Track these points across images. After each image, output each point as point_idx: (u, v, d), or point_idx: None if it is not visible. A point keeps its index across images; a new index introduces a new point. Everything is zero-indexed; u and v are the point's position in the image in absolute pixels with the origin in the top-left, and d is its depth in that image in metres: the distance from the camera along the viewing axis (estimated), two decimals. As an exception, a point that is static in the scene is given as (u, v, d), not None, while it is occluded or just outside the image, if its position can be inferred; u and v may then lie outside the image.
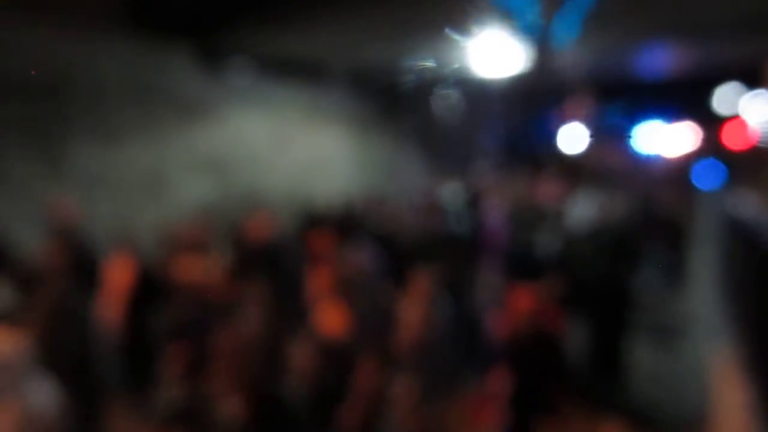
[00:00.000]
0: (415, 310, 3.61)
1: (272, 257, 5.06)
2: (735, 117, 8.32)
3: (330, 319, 3.49)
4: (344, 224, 6.20)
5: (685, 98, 8.62)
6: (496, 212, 6.30)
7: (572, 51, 6.91)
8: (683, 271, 6.80)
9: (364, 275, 3.85)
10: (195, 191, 6.92)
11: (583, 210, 5.76)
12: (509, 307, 3.45)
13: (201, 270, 3.86)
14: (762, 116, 7.59)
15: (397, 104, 9.14)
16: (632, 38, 7.11)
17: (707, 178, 8.40)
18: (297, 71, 8.16)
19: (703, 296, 5.59)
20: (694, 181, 8.57)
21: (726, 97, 8.40)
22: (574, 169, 8.40)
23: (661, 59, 8.28)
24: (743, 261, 4.59)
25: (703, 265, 6.09)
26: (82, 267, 4.30)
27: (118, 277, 4.28)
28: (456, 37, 5.88)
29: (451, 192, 7.23)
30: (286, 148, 8.18)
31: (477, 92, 7.50)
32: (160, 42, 6.67)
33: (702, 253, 6.29)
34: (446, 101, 7.47)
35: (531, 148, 9.21)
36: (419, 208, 6.68)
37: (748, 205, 5.63)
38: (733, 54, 7.43)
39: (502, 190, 7.15)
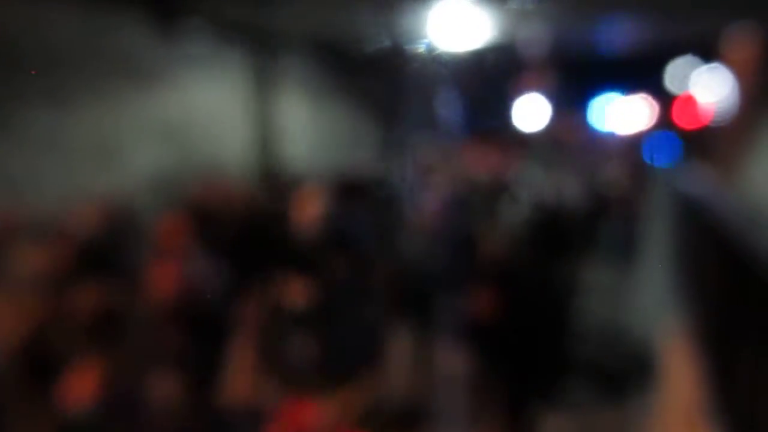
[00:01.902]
0: (245, 343, 2.59)
1: (101, 252, 4.15)
2: (686, 93, 8.41)
3: (81, 379, 2.48)
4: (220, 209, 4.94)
5: (640, 72, 8.67)
6: (439, 194, 5.35)
7: (530, 23, 6.92)
8: (635, 251, 6.40)
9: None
10: (147, 159, 6.73)
11: (529, 185, 5.49)
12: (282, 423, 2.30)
13: None
14: (715, 93, 7.70)
15: (357, 73, 9.03)
16: (588, 11, 7.14)
17: (661, 154, 8.53)
18: (255, 37, 7.97)
19: (653, 270, 5.71)
20: (647, 157, 8.69)
21: (679, 73, 8.47)
22: (523, 141, 8.39)
23: (616, 33, 8.33)
24: (695, 237, 4.70)
25: (654, 241, 6.21)
26: None
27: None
28: (419, 5, 5.81)
29: (391, 169, 6.83)
30: (241, 117, 8.02)
31: (436, 63, 7.46)
32: (114, 3, 6.41)
33: (654, 229, 6.40)
34: (405, 72, 7.40)
35: (484, 121, 9.10)
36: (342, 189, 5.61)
37: (701, 181, 5.75)
38: (688, 28, 7.49)
39: (449, 165, 6.48)
